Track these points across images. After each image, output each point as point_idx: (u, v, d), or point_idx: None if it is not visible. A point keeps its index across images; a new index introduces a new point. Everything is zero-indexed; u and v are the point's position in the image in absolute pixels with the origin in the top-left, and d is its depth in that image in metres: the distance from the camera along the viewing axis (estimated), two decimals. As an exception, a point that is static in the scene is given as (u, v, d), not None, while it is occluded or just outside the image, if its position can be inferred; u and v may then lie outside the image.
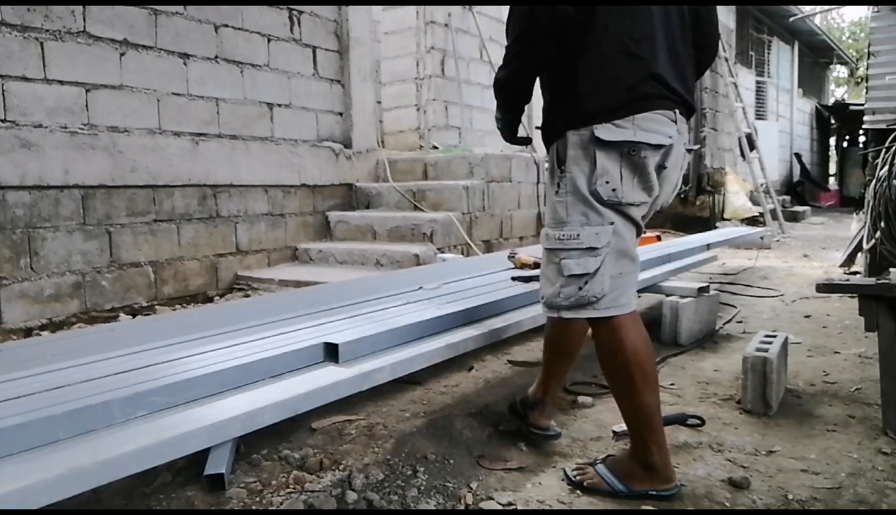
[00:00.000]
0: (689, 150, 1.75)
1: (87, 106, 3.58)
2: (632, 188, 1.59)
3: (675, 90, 1.63)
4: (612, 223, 1.60)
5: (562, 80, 1.64)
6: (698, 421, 2.12)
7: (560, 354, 1.96)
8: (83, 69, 3.56)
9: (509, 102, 1.83)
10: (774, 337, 2.43)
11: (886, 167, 4.37)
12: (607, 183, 1.57)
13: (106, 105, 3.67)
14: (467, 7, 6.99)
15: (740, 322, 3.65)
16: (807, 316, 3.76)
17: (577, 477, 1.74)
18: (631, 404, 1.67)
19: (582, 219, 1.60)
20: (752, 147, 9.95)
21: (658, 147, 1.60)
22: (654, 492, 1.66)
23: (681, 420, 2.14)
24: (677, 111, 1.64)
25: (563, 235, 1.61)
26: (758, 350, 2.27)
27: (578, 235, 1.59)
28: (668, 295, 3.18)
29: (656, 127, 1.59)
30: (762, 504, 1.65)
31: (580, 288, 1.61)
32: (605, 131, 1.55)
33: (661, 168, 1.64)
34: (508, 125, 1.89)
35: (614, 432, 2.09)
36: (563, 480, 1.77)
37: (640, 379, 1.63)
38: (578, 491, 1.71)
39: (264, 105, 4.59)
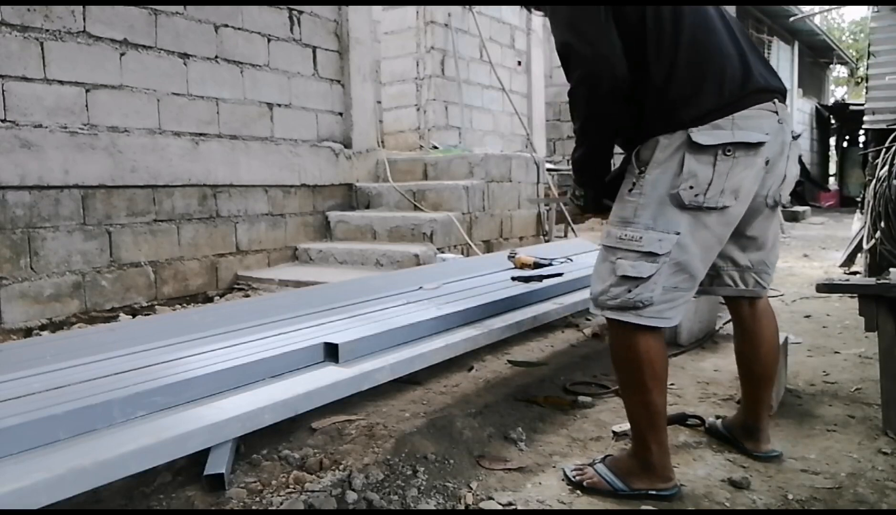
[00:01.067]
0: (794, 137, 1.71)
1: (87, 106, 3.58)
2: (718, 192, 1.53)
3: (766, 78, 1.61)
4: (679, 233, 1.54)
5: (645, 90, 1.58)
6: (698, 421, 2.12)
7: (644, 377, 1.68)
8: (83, 69, 3.56)
9: (590, 178, 1.76)
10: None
11: (886, 167, 4.37)
12: (691, 188, 1.52)
13: (106, 105, 3.67)
14: (467, 7, 6.99)
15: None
16: (807, 316, 3.76)
17: (577, 477, 1.74)
18: (638, 402, 1.66)
19: (649, 223, 1.55)
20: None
21: (756, 146, 1.55)
22: (654, 492, 1.66)
23: (681, 420, 2.13)
24: (776, 100, 1.61)
25: (625, 235, 1.57)
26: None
27: (641, 238, 1.55)
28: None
29: (756, 123, 1.55)
30: (762, 504, 1.65)
31: (629, 291, 1.57)
32: (702, 135, 1.51)
33: (766, 162, 1.60)
34: (592, 198, 1.80)
35: (614, 432, 2.09)
36: (562, 480, 1.77)
37: (650, 378, 1.61)
38: (578, 491, 1.71)
39: (264, 105, 4.59)
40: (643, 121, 1.59)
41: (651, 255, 1.54)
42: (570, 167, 1.77)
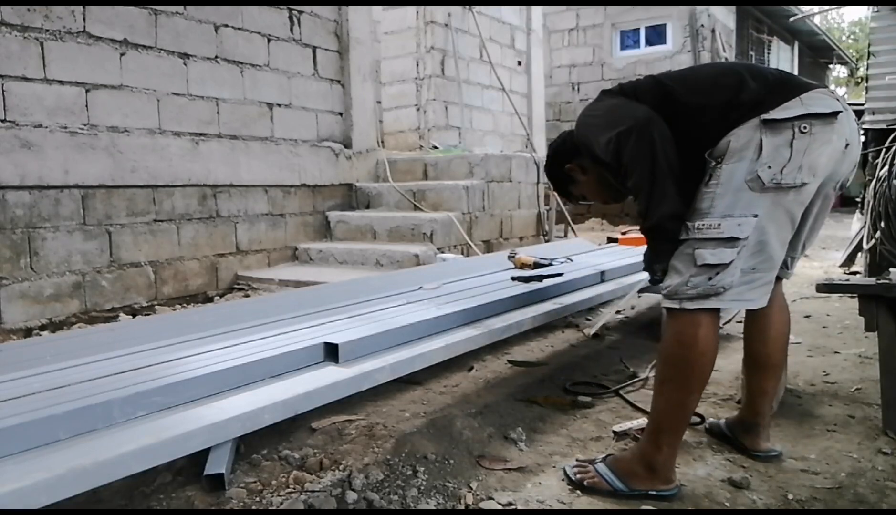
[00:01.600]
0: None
1: (87, 106, 3.58)
2: (797, 169, 1.55)
3: (802, 78, 1.70)
4: (756, 216, 1.56)
5: (700, 119, 1.67)
6: (698, 420, 2.12)
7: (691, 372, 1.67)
8: (83, 69, 3.56)
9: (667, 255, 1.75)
10: None
11: (886, 167, 4.37)
12: (769, 168, 1.54)
13: (106, 105, 3.67)
14: (467, 7, 6.99)
15: (740, 322, 3.64)
16: (807, 316, 3.76)
17: (578, 476, 1.74)
18: (675, 401, 1.65)
19: (726, 211, 1.57)
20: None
21: (831, 116, 1.57)
22: (655, 492, 1.66)
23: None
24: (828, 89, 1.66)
25: (703, 225, 1.60)
26: None
27: (720, 225, 1.57)
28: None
29: (824, 101, 1.59)
30: (762, 504, 1.65)
31: (710, 279, 1.58)
32: (778, 112, 1.55)
33: (846, 146, 1.63)
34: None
35: (615, 432, 2.09)
36: (563, 479, 1.77)
37: (697, 379, 1.62)
38: (578, 491, 1.71)
39: (264, 105, 4.59)
40: (706, 136, 1.64)
41: (731, 240, 1.57)
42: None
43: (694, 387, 1.63)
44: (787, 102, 1.57)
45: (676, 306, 1.64)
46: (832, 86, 21.94)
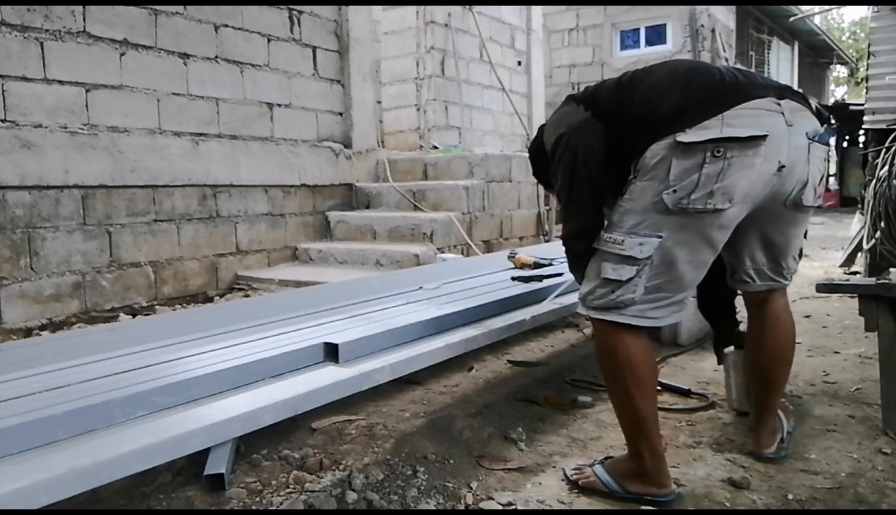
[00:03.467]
0: (819, 141, 1.63)
1: (87, 106, 3.58)
2: (706, 194, 1.47)
3: (756, 78, 1.60)
4: (661, 237, 1.52)
5: (628, 124, 1.62)
6: (705, 400, 2.28)
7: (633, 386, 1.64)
8: (83, 69, 3.56)
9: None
10: None
11: (886, 167, 4.37)
12: (675, 192, 1.48)
13: (106, 105, 3.67)
14: (467, 7, 6.99)
15: (740, 322, 3.65)
16: (807, 316, 3.76)
17: (574, 476, 1.75)
18: (622, 408, 1.66)
19: (631, 228, 1.54)
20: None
21: (752, 140, 1.46)
22: (650, 497, 1.64)
23: (684, 392, 2.35)
24: (774, 99, 1.53)
25: (610, 238, 1.58)
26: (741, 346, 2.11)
27: (623, 241, 1.55)
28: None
29: (751, 121, 1.47)
30: (762, 504, 1.65)
31: (612, 292, 1.57)
32: (687, 135, 1.46)
33: (780, 168, 1.53)
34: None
35: None
36: (562, 480, 1.78)
37: (632, 384, 1.59)
38: (577, 491, 1.71)
39: (264, 105, 4.59)
40: (632, 145, 1.58)
41: (631, 259, 1.54)
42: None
43: (634, 392, 1.60)
44: (707, 120, 1.46)
45: (584, 312, 1.67)
46: (831, 86, 21.93)
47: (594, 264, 1.63)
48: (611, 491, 1.68)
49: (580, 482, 1.72)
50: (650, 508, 1.62)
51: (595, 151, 1.62)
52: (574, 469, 1.77)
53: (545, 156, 1.77)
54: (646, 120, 1.55)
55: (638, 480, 1.65)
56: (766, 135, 1.47)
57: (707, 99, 1.50)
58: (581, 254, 1.68)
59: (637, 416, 1.62)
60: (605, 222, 1.64)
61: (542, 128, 1.93)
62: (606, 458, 1.80)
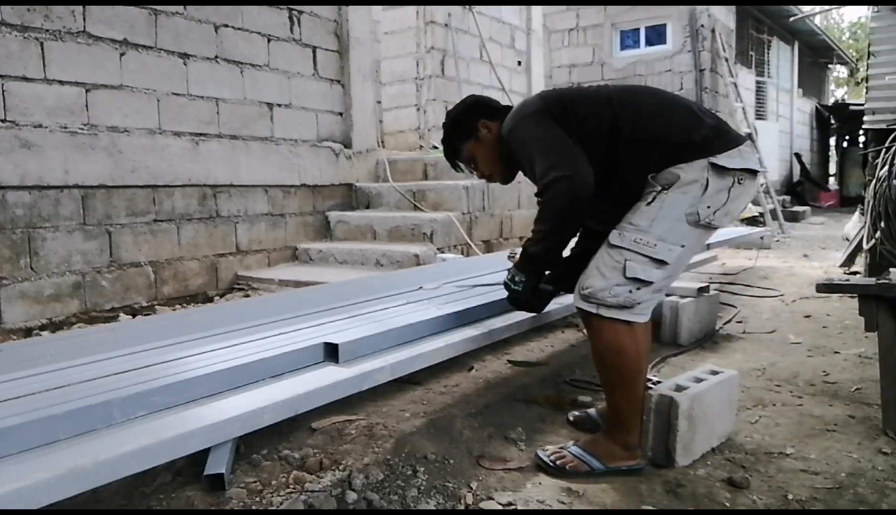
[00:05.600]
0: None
1: (87, 106, 3.58)
2: (725, 213, 1.74)
3: (727, 125, 1.85)
4: (683, 246, 1.72)
5: (644, 144, 1.78)
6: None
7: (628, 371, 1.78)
8: (83, 69, 3.56)
9: (543, 269, 1.90)
10: (719, 372, 2.03)
11: (886, 167, 4.37)
12: (709, 207, 1.70)
13: (106, 105, 3.67)
14: (467, 7, 6.99)
15: (740, 322, 3.65)
16: (807, 316, 3.76)
17: (558, 462, 1.80)
18: (624, 397, 1.78)
19: (662, 234, 1.69)
20: (752, 147, 9.95)
21: (756, 174, 1.78)
22: (626, 467, 1.78)
23: None
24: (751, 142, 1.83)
25: (640, 239, 1.69)
26: (677, 387, 1.88)
27: (655, 245, 1.69)
28: (668, 295, 3.18)
29: (752, 157, 1.79)
30: (762, 504, 1.65)
31: (631, 291, 1.69)
32: (723, 159, 1.70)
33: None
34: (532, 287, 1.90)
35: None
36: (538, 465, 1.82)
37: (636, 373, 1.77)
38: (571, 486, 1.71)
39: (264, 105, 4.59)
40: (650, 163, 1.75)
41: (660, 263, 1.69)
42: (523, 260, 1.84)
43: (639, 381, 1.79)
44: (729, 150, 1.73)
45: (593, 310, 1.73)
46: (831, 86, 21.96)
47: (610, 261, 1.71)
48: (593, 469, 1.78)
49: (567, 466, 1.78)
50: (650, 508, 1.62)
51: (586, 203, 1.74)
52: (553, 454, 1.82)
53: (466, 128, 2.00)
54: (662, 143, 1.74)
55: (621, 455, 1.79)
56: (761, 171, 1.83)
57: (722, 133, 1.77)
58: (579, 208, 1.71)
59: (636, 402, 1.80)
60: (629, 222, 1.75)
61: (489, 99, 2.08)
62: (577, 441, 1.88)
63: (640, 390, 1.80)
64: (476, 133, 2.01)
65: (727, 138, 1.76)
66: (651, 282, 1.69)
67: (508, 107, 2.03)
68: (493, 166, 2.06)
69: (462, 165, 2.12)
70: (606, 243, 1.75)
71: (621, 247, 1.71)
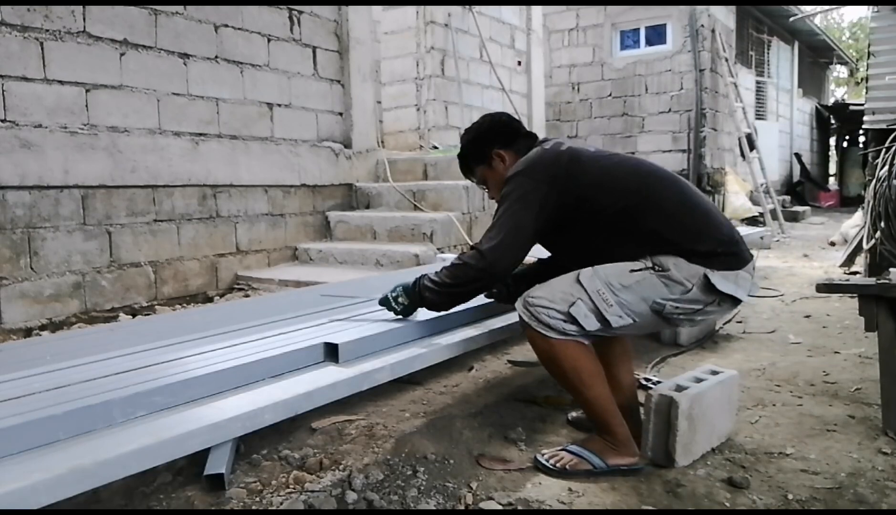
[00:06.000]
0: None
1: (87, 106, 3.58)
2: (689, 320, 1.79)
3: (742, 240, 1.85)
4: (634, 322, 1.74)
5: (655, 222, 1.79)
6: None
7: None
8: (83, 69, 3.55)
9: (425, 307, 1.91)
10: (719, 372, 2.05)
11: (886, 167, 4.37)
12: (677, 308, 1.73)
13: (106, 105, 3.67)
14: (467, 7, 6.99)
15: (740, 322, 3.65)
16: (807, 316, 3.76)
17: (558, 464, 1.80)
18: (585, 399, 1.81)
19: (624, 302, 1.72)
20: (752, 147, 9.94)
21: (738, 302, 1.79)
22: (626, 467, 1.79)
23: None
24: (753, 264, 1.84)
25: (603, 293, 1.71)
26: (677, 387, 1.89)
27: (612, 306, 1.71)
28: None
29: (746, 284, 1.79)
30: (762, 504, 1.65)
31: (564, 323, 1.72)
32: (718, 278, 1.72)
33: None
34: (408, 314, 1.95)
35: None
36: (536, 468, 1.81)
37: (578, 382, 1.77)
38: (571, 486, 1.71)
39: (264, 105, 4.59)
40: (646, 247, 1.76)
41: (605, 322, 1.71)
42: (415, 291, 1.89)
43: (590, 383, 1.77)
44: (727, 271, 1.74)
45: (525, 318, 1.77)
46: (831, 86, 21.95)
47: (570, 289, 1.73)
48: (595, 467, 1.78)
49: (568, 466, 1.79)
50: (650, 508, 1.62)
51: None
52: (551, 457, 1.83)
53: (481, 153, 2.02)
54: (669, 242, 1.75)
55: (614, 453, 1.80)
56: (745, 301, 1.82)
57: (729, 250, 1.78)
58: (479, 291, 1.86)
59: (601, 401, 1.80)
60: (608, 270, 1.75)
61: (508, 117, 2.09)
62: (574, 441, 1.88)
63: (599, 389, 1.79)
64: (490, 161, 2.02)
65: (731, 258, 1.77)
66: (585, 329, 1.71)
67: (529, 135, 2.03)
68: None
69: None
70: (576, 274, 1.76)
71: (583, 287, 1.72)
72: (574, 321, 1.71)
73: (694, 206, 1.83)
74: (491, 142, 2.02)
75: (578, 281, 1.74)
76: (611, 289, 1.72)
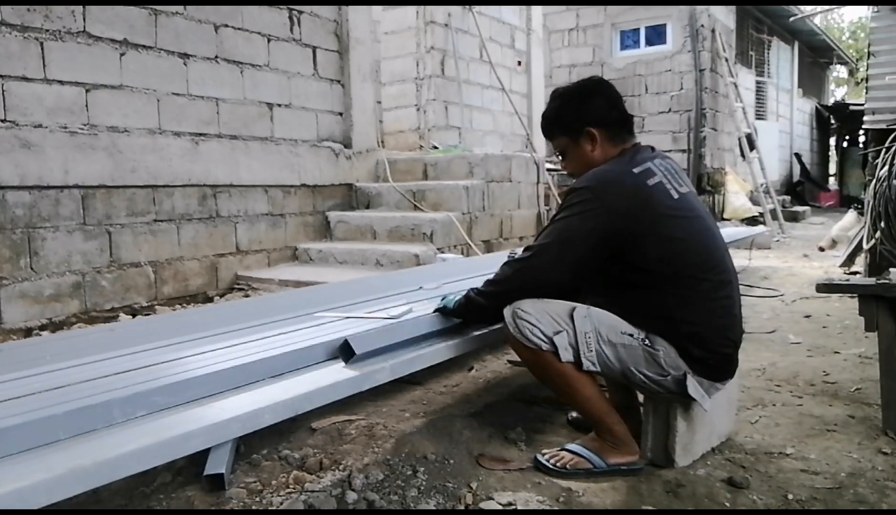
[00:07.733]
0: None
1: (87, 106, 3.58)
2: (647, 392, 1.83)
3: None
4: (601, 372, 1.77)
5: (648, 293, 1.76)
6: None
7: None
8: (83, 69, 3.55)
9: (473, 317, 1.93)
10: None
11: (886, 167, 4.37)
12: (642, 383, 1.76)
13: (106, 105, 3.67)
14: (467, 7, 6.99)
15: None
16: (807, 316, 3.76)
17: (558, 464, 1.80)
18: (577, 401, 1.83)
19: (604, 351, 1.72)
20: (752, 147, 9.94)
21: (692, 400, 1.75)
22: (626, 467, 1.79)
23: None
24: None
25: (590, 337, 1.71)
26: None
27: (591, 351, 1.71)
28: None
29: (712, 394, 1.78)
30: (762, 504, 1.65)
31: (542, 342, 1.72)
32: (692, 385, 1.71)
33: None
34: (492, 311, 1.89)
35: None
36: (537, 468, 1.82)
37: (573, 380, 1.75)
38: (565, 482, 1.71)
39: (264, 105, 4.59)
40: (666, 328, 1.74)
41: (577, 358, 1.71)
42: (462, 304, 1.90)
43: (578, 386, 1.76)
44: (705, 380, 1.74)
45: (510, 325, 1.76)
46: (831, 86, 21.97)
47: (558, 317, 1.73)
48: (595, 466, 1.78)
49: (568, 466, 1.79)
50: (650, 508, 1.62)
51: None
52: (552, 457, 1.83)
53: (572, 125, 1.87)
54: (681, 335, 1.74)
55: (614, 452, 1.80)
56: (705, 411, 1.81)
57: (719, 366, 1.78)
58: (524, 296, 1.77)
59: (591, 402, 1.80)
60: (605, 318, 1.75)
61: (611, 96, 1.90)
62: (574, 441, 1.88)
63: (589, 390, 1.78)
64: (580, 135, 1.86)
65: (718, 371, 1.77)
66: (558, 357, 1.71)
67: (627, 122, 1.88)
68: (580, 169, 1.89)
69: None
70: (571, 308, 1.74)
71: (573, 324, 1.72)
72: (553, 344, 1.72)
73: (731, 306, 1.80)
74: (588, 118, 1.84)
75: (571, 317, 1.73)
76: (598, 338, 1.72)
